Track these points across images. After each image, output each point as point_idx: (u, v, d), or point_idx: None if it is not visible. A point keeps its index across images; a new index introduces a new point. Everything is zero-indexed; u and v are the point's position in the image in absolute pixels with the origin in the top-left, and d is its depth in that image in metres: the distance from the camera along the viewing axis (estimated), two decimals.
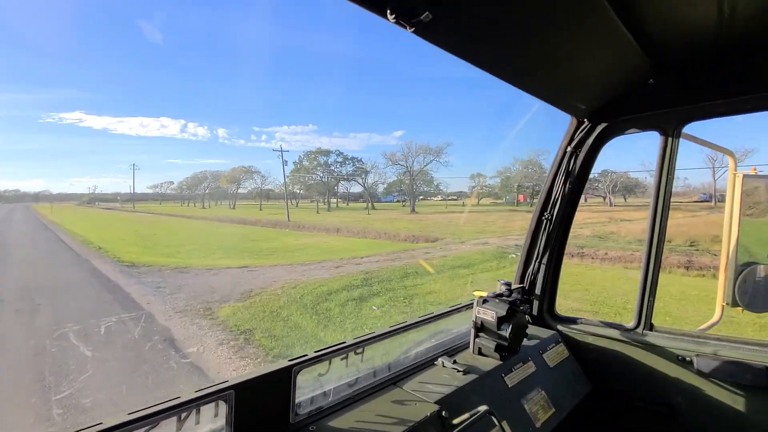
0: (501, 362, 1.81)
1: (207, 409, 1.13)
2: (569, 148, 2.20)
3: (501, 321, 1.80)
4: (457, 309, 2.03)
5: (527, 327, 1.95)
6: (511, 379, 1.78)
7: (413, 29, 1.12)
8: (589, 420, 2.08)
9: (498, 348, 1.81)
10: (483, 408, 1.41)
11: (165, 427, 1.05)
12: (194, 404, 1.09)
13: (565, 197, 2.26)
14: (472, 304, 1.96)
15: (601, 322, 2.23)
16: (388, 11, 1.05)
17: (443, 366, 1.74)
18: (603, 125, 2.13)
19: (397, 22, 1.08)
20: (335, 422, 1.34)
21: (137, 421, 1.00)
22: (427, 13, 1.07)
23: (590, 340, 2.20)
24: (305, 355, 1.37)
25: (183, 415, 1.08)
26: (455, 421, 1.39)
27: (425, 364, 1.75)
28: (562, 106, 2.03)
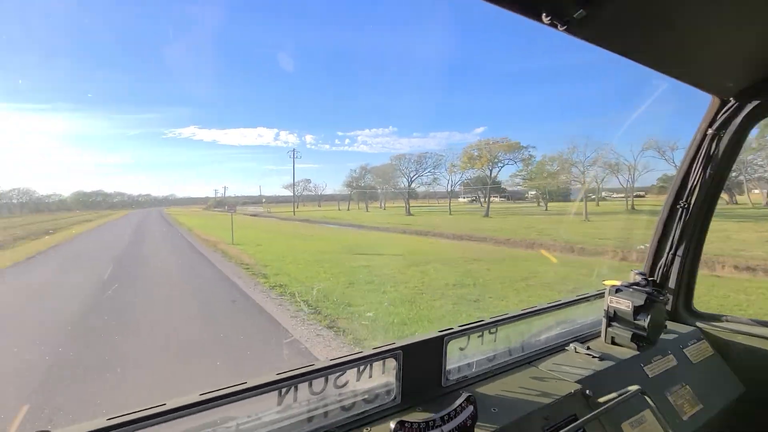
0: (638, 352, 1.77)
1: (377, 366, 1.34)
2: (710, 131, 2.03)
3: (638, 310, 1.76)
4: (585, 298, 2.02)
5: (666, 319, 1.88)
6: (651, 370, 1.74)
7: (565, 28, 1.20)
8: (741, 423, 1.91)
9: (634, 338, 1.78)
10: (635, 387, 1.42)
11: (349, 374, 1.28)
12: (372, 359, 1.31)
13: (705, 184, 2.09)
14: (601, 293, 1.94)
15: (751, 320, 2.03)
16: (544, 14, 1.15)
17: (576, 351, 1.77)
18: (754, 103, 1.93)
19: (551, 24, 1.17)
20: (482, 389, 1.47)
21: (331, 368, 1.21)
22: (581, 10, 1.14)
23: (739, 339, 2.01)
24: (451, 328, 1.52)
25: (362, 367, 1.30)
26: (601, 400, 1.42)
27: (556, 348, 1.80)
28: (705, 86, 1.90)
